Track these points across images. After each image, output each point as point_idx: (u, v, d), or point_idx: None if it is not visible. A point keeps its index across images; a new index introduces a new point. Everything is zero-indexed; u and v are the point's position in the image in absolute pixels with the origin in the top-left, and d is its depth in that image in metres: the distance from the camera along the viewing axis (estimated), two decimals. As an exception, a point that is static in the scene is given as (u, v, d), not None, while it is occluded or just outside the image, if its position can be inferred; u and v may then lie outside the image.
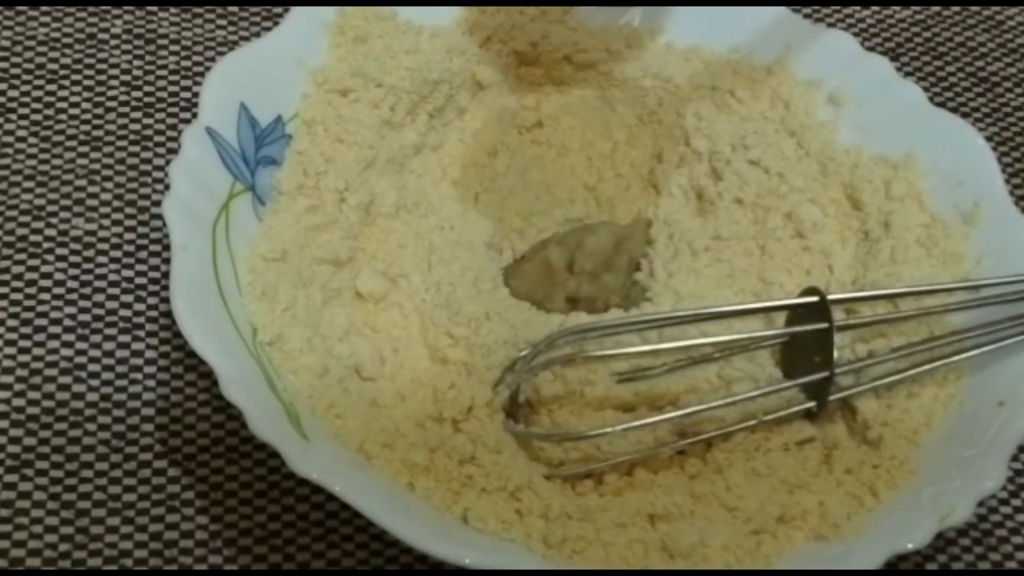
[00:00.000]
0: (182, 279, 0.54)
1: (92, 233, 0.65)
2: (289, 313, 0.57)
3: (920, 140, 0.65)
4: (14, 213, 0.65)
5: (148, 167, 0.67)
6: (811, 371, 0.58)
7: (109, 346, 0.61)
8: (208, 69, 0.62)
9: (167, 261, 0.60)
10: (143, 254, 0.64)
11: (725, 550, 0.53)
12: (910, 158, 0.65)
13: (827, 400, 0.58)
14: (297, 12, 0.64)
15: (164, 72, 0.71)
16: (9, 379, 0.60)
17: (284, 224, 0.59)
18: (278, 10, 0.74)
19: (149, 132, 0.69)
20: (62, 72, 0.70)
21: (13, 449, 0.58)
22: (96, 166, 0.67)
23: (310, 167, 0.61)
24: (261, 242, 0.59)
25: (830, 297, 0.58)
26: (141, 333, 0.62)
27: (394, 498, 0.52)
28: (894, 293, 0.60)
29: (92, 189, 0.66)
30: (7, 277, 0.63)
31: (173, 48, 0.72)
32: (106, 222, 0.65)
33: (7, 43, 0.71)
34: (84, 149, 0.68)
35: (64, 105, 0.69)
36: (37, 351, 0.61)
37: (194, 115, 0.60)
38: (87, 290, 0.63)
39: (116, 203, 0.66)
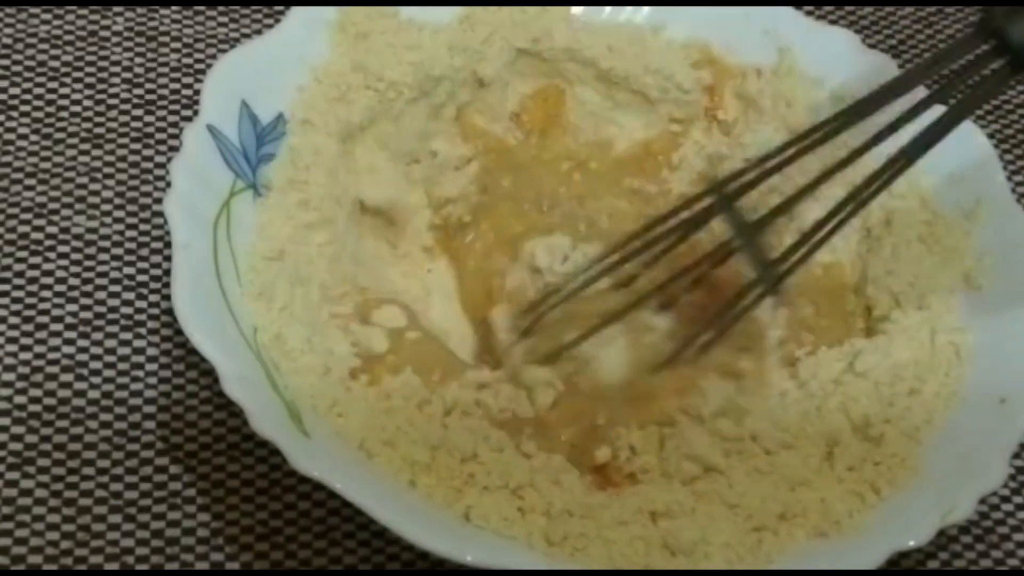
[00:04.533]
0: (183, 277, 0.54)
1: (93, 231, 0.65)
2: (287, 312, 0.57)
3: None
4: (15, 211, 0.65)
5: (149, 164, 0.67)
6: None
7: (111, 344, 0.61)
8: (209, 67, 0.62)
9: (168, 259, 0.60)
10: (144, 252, 0.64)
11: (726, 547, 0.53)
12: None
13: (781, 275, 0.58)
14: (298, 10, 0.64)
15: (165, 69, 0.71)
16: (11, 376, 0.60)
17: (278, 221, 0.59)
18: (279, 8, 0.74)
19: (151, 129, 0.69)
20: (63, 69, 0.70)
21: (15, 447, 0.58)
22: (97, 163, 0.67)
23: (300, 162, 0.61)
24: (258, 240, 0.58)
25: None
26: (142, 331, 0.62)
27: (395, 496, 0.52)
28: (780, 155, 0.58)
29: (93, 187, 0.66)
30: (8, 275, 0.63)
31: (175, 45, 0.72)
32: (107, 220, 0.65)
33: (8, 40, 0.71)
34: (85, 147, 0.68)
35: (65, 103, 0.69)
36: (39, 348, 0.61)
37: (195, 112, 0.60)
38: (88, 288, 0.63)
39: (117, 200, 0.66)
